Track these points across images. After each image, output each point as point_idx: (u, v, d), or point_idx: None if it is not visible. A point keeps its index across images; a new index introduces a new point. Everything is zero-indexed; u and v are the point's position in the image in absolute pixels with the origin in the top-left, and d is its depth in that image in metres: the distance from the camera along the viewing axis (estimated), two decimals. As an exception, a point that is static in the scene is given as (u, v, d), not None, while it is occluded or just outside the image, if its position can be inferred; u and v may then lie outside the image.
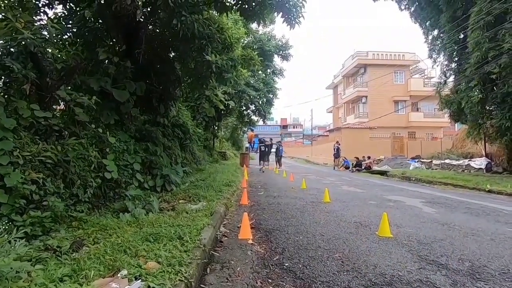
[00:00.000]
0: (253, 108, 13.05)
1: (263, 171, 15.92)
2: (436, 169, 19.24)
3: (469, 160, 17.78)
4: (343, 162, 19.56)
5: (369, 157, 18.95)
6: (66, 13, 5.93)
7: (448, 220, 4.25)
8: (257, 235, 3.26)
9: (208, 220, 3.23)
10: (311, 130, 42.27)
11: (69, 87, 4.60)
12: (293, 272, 2.22)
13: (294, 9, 5.63)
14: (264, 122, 17.05)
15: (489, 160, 16.33)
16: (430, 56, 17.26)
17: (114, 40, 5.83)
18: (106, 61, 5.28)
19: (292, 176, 10.69)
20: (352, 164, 18.40)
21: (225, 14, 6.19)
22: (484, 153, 17.69)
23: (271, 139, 20.06)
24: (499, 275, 2.33)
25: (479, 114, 13.66)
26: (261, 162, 17.19)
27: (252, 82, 12.50)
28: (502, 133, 12.74)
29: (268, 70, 14.76)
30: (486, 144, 16.38)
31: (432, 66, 17.64)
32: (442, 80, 16.18)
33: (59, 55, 4.65)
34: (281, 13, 5.63)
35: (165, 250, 2.28)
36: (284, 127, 78.71)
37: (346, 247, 2.86)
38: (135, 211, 3.71)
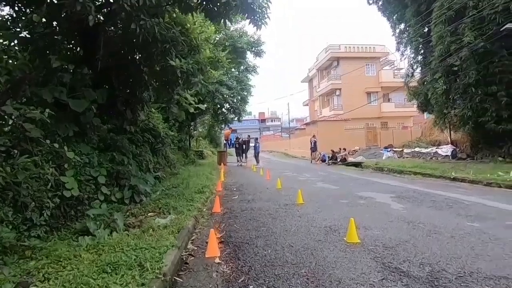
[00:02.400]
0: (228, 106, 12.86)
1: (241, 165, 15.90)
2: (407, 157, 20.07)
3: (436, 148, 18.69)
4: (320, 156, 19.91)
5: (344, 149, 19.41)
6: (15, 16, 5.45)
7: (413, 217, 4.40)
8: (226, 251, 3.19)
9: (173, 239, 3.11)
10: (289, 123, 42.64)
11: (18, 101, 4.23)
12: (256, 296, 2.18)
13: (259, 10, 5.52)
14: (239, 120, 16.92)
15: (454, 147, 17.25)
16: (398, 49, 17.84)
17: (70, 45, 5.43)
18: (61, 69, 4.91)
19: (269, 174, 10.70)
20: (328, 157, 18.78)
21: (190, 14, 5.98)
22: (450, 141, 18.67)
23: (248, 136, 20.05)
24: (455, 280, 2.41)
25: (444, 104, 14.35)
26: (238, 158, 17.15)
27: (225, 80, 12.28)
28: (465, 122, 13.49)
29: (241, 67, 14.58)
30: (451, 132, 17.29)
31: (400, 59, 18.25)
32: (409, 73, 16.79)
33: (3, 65, 4.25)
34: (246, 14, 5.51)
35: (121, 284, 2.15)
36: (262, 121, 78.92)
37: (313, 259, 2.85)
38: (97, 232, 3.51)
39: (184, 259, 2.93)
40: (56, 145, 4.35)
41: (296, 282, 2.37)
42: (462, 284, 2.34)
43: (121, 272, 2.37)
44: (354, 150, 24.40)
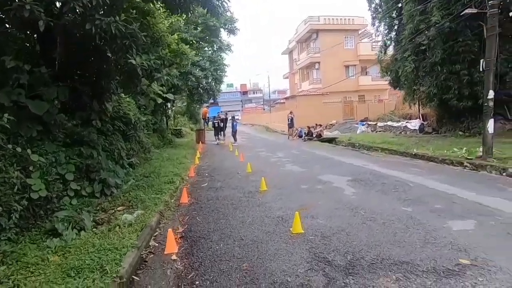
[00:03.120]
0: (202, 87, 12.79)
1: (219, 143, 16.29)
2: (380, 131, 20.99)
3: (406, 122, 19.60)
4: (297, 132, 20.43)
5: (320, 125, 19.99)
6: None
7: (359, 203, 4.96)
8: (184, 246, 3.60)
9: (135, 239, 3.48)
10: (269, 97, 42.61)
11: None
12: (198, 292, 2.62)
13: (220, 4, 5.52)
14: (214, 101, 16.88)
15: (422, 122, 18.17)
16: (373, 24, 17.90)
17: (26, 44, 5.29)
18: (17, 69, 4.84)
19: (243, 156, 11.11)
20: (305, 133, 19.33)
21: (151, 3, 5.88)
22: (419, 115, 19.58)
23: (226, 114, 20.15)
24: (367, 267, 2.94)
25: (413, 81, 14.93)
26: (216, 137, 17.41)
27: (198, 60, 12.10)
28: (431, 99, 14.21)
29: (215, 46, 14.29)
30: (421, 106, 18.12)
31: (374, 34, 18.35)
32: (382, 49, 17.05)
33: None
34: (207, 8, 5.50)
35: (83, 288, 2.51)
36: (244, 93, 78.14)
37: (257, 252, 3.32)
38: (65, 234, 3.81)
39: (144, 257, 3.31)
40: (19, 149, 4.47)
41: (236, 277, 2.82)
42: (371, 271, 2.86)
43: (84, 275, 2.72)
44: (331, 124, 25.15)
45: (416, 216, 4.28)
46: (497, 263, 2.91)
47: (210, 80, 13.12)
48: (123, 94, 8.37)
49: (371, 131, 21.52)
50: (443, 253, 3.17)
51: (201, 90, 12.96)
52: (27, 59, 5.29)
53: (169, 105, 15.41)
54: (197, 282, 2.77)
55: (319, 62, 29.69)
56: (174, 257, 3.31)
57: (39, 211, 4.47)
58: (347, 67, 30.09)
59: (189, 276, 2.89)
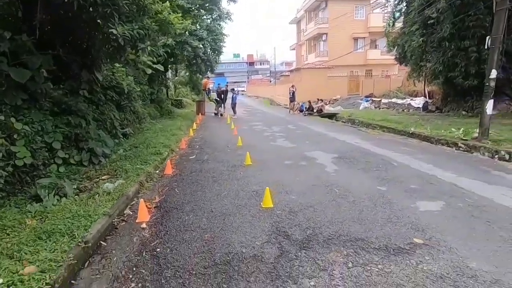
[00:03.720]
0: (200, 58, 12.51)
1: (220, 115, 16.37)
2: (383, 108, 20.65)
3: (410, 100, 19.17)
4: (298, 106, 20.22)
5: (321, 100, 19.71)
6: None
7: (336, 181, 5.04)
8: (155, 216, 3.78)
9: (110, 207, 3.66)
10: (275, 68, 41.62)
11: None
12: (158, 258, 2.80)
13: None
14: (212, 72, 16.60)
15: (426, 100, 17.75)
16: (384, -6, 16.89)
17: (8, 11, 5.19)
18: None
19: (237, 129, 11.18)
20: (306, 108, 19.13)
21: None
22: (424, 93, 19.07)
23: (226, 86, 19.91)
24: (323, 242, 3.07)
25: (419, 57, 14.35)
26: (217, 108, 17.39)
27: (195, 29, 11.74)
28: (436, 76, 13.75)
29: (214, 15, 13.71)
30: (426, 84, 17.58)
31: (385, 5, 17.36)
32: (390, 22, 16.22)
33: None
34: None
35: (50, 250, 2.71)
36: (251, 64, 76.44)
37: (222, 224, 3.47)
38: (46, 199, 4.01)
39: (116, 224, 3.50)
40: (2, 117, 4.58)
41: (195, 246, 2.99)
42: (324, 246, 3.00)
43: (54, 239, 2.92)
44: (334, 99, 24.74)
45: (388, 195, 4.35)
46: (449, 243, 3.01)
47: (208, 50, 12.79)
48: (117, 64, 8.28)
49: (375, 107, 21.16)
50: (400, 231, 3.28)
51: (199, 61, 12.71)
52: (8, 26, 5.23)
53: (169, 75, 15.26)
54: (158, 249, 2.95)
55: (326, 34, 28.52)
56: (144, 225, 3.49)
57: (25, 177, 4.68)
58: (355, 39, 28.88)
59: (152, 244, 3.07)
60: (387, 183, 4.95)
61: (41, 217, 3.54)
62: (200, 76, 28.31)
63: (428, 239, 3.12)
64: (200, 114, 18.30)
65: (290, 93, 19.79)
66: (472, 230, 3.29)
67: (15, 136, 4.64)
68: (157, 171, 5.81)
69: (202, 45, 11.90)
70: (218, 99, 17.50)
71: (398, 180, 5.10)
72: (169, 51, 11.32)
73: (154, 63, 7.39)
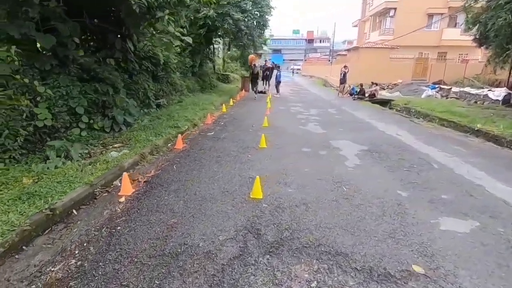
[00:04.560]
0: (243, 32, 11.96)
1: (264, 92, 16.01)
2: (452, 98, 17.91)
3: (488, 90, 16.21)
4: (349, 89, 18.64)
5: (376, 84, 17.77)
6: None
7: (352, 178, 4.37)
8: (139, 191, 3.70)
9: (97, 176, 3.68)
10: (332, 46, 38.82)
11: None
12: (112, 237, 2.68)
13: None
14: (255, 49, 15.95)
15: (510, 92, 14.77)
16: (471, -43, 13.83)
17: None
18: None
19: (273, 108, 10.72)
20: (357, 91, 17.53)
21: None
22: (508, 83, 15.90)
23: (273, 63, 19.20)
24: (296, 249, 2.61)
25: (506, 38, 11.70)
26: (263, 84, 16.98)
27: (239, 0, 11.19)
28: (524, 63, 11.14)
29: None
30: (512, 72, 14.53)
31: (471, -29, 14.25)
32: (474, -7, 13.36)
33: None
34: None
35: (20, 213, 2.78)
36: (310, 41, 72.89)
37: (196, 210, 3.22)
38: (48, 161, 4.23)
39: (97, 194, 3.51)
40: (26, 80, 4.90)
41: (155, 230, 2.81)
42: (295, 255, 2.54)
43: (31, 202, 3.01)
44: (394, 84, 22.26)
45: (406, 204, 3.60)
46: (460, 281, 2.31)
47: (251, 24, 12.15)
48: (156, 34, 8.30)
49: (441, 96, 18.44)
50: (399, 253, 2.64)
51: (240, 35, 12.22)
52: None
53: (219, 48, 15.14)
54: (118, 227, 2.84)
55: (395, 8, 25.18)
56: (122, 199, 3.44)
57: (46, 138, 5.04)
58: (430, 16, 24.98)
59: (118, 220, 2.98)
60: (412, 188, 4.12)
61: (38, 177, 3.73)
62: (252, 52, 27.86)
63: (433, 269, 2.44)
64: (243, 90, 18.11)
65: (341, 73, 18.24)
66: (503, 269, 2.48)
67: (38, 99, 4.97)
68: (169, 145, 5.78)
69: (245, 18, 11.34)
70: (264, 75, 17.02)
71: (429, 186, 4.21)
72: (210, 23, 11.08)
73: (183, 34, 7.20)
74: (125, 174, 3.65)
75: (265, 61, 18.59)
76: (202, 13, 10.79)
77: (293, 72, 52.20)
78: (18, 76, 4.80)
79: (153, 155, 5.08)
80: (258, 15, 12.43)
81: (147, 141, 5.33)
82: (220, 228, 2.90)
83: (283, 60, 74.27)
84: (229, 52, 29.42)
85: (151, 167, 4.53)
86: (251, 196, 3.60)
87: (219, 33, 12.23)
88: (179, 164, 4.72)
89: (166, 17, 5.41)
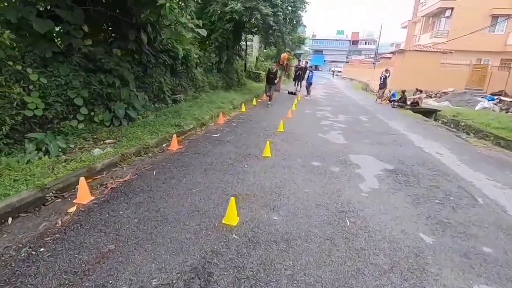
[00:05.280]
0: (272, 26, 11.12)
1: (294, 93, 15.17)
2: (514, 112, 15.46)
3: None
4: (388, 95, 16.98)
5: (420, 91, 15.90)
6: None
7: (362, 209, 3.47)
8: (97, 201, 3.19)
9: (55, 178, 3.25)
10: (377, 48, 36.26)
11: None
12: (22, 264, 2.16)
13: None
14: (286, 48, 14.98)
15: None
16: None
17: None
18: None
19: (296, 111, 9.90)
20: (398, 98, 15.84)
21: None
22: None
23: (306, 62, 18.18)
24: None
25: None
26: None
27: (268, -7, 10.43)
28: None
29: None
30: None
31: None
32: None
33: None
34: None
35: None
36: (355, 42, 69.62)
37: (145, 237, 2.60)
38: (24, 155, 3.94)
39: (49, 200, 3.06)
40: (19, 67, 4.70)
41: (86, 259, 2.24)
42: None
43: (-33, 202, 2.64)
44: (443, 93, 19.94)
45: (428, 256, 2.65)
46: None
47: (281, 19, 11.28)
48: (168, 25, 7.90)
49: (500, 110, 16.02)
50: None
51: (270, 31, 11.44)
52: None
53: (249, 45, 14.58)
54: (41, 250, 2.33)
55: (452, 8, 22.51)
56: (73, 209, 2.95)
57: (35, 129, 4.81)
58: (495, 17, 21.91)
59: (47, 238, 2.47)
60: (441, 231, 3.11)
61: (5, 170, 3.40)
62: (288, 50, 26.91)
63: None
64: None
65: (381, 77, 16.65)
66: None
67: (31, 87, 4.76)
68: (164, 145, 5.29)
69: (274, 13, 10.56)
70: (296, 74, 16.13)
71: (466, 230, 3.16)
72: (236, 17, 10.49)
73: (198, 26, 6.69)
74: (82, 179, 3.17)
75: (298, 60, 17.64)
76: (229, 6, 10.24)
77: (333, 74, 50.02)
78: (10, 62, 4.63)
79: (140, 155, 4.60)
80: (290, 10, 11.56)
81: (138, 140, 4.89)
82: (162, 265, 2.25)
83: (324, 61, 71.84)
84: (265, 51, 28.81)
85: (129, 171, 4.04)
86: (223, 222, 2.91)
87: (247, 28, 11.58)
88: (161, 169, 4.17)
89: (168, 4, 4.89)
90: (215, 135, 6.29)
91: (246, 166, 4.54)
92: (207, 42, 12.02)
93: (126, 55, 7.12)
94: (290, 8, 11.52)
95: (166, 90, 8.48)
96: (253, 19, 10.23)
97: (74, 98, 5.41)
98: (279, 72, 10.26)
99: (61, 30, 5.67)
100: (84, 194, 3.12)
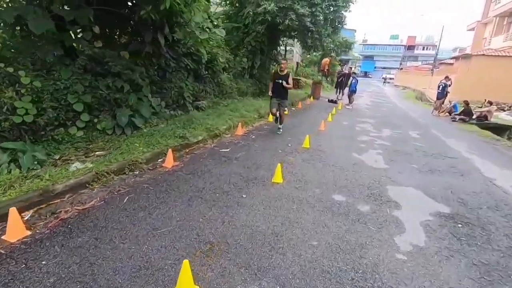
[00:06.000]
0: (309, 27, 9.95)
1: (335, 101, 13.65)
2: None
3: None
4: (449, 106, 14.58)
5: (490, 103, 13.32)
6: None
7: (395, 283, 2.29)
8: (30, 238, 2.50)
9: (13, 196, 2.67)
10: (436, 54, 32.45)
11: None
12: None
13: None
14: (324, 53, 13.58)
15: None
16: None
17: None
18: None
19: (331, 123, 8.69)
20: (462, 111, 13.46)
21: None
22: None
23: (350, 68, 16.64)
24: None
25: None
26: (336, 93, 14.64)
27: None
28: None
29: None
30: None
31: None
32: None
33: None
34: None
35: None
36: (410, 47, 64.45)
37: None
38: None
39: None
40: (11, 69, 4.37)
41: None
42: None
43: None
44: (519, 105, 16.71)
45: None
46: None
47: (319, 20, 10.05)
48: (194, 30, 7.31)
49: None
50: None
51: (306, 33, 10.28)
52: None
53: (289, 50, 13.66)
54: None
55: (536, 5, 18.88)
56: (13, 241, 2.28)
57: (25, 136, 4.44)
58: None
59: None
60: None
61: None
62: (334, 56, 25.32)
63: None
64: (312, 97, 16.15)
65: (439, 86, 14.37)
66: None
67: (23, 91, 4.41)
68: (160, 160, 4.58)
69: (311, 12, 9.44)
70: (339, 81, 14.66)
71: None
72: (269, 19, 9.62)
73: (216, 26, 5.98)
74: (11, 210, 2.49)
75: (341, 66, 16.15)
76: (262, 7, 9.43)
77: (384, 81, 46.34)
78: (2, 64, 4.33)
79: (123, 173, 3.92)
80: (331, 9, 10.33)
81: (128, 154, 4.23)
82: None
83: (375, 67, 67.59)
84: (308, 56, 27.56)
85: (98, 194, 3.35)
86: (174, 292, 1.99)
87: (282, 31, 10.62)
88: (138, 194, 3.41)
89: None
90: (225, 150, 5.44)
91: (244, 196, 3.57)
92: (240, 47, 11.37)
93: (143, 58, 6.70)
94: (331, 8, 10.29)
95: (187, 96, 7.91)
96: (288, 20, 9.25)
97: (74, 103, 5.00)
98: (291, 75, 6.71)
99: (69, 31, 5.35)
100: (15, 229, 2.46)
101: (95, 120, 5.38)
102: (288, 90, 6.90)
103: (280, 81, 6.61)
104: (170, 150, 4.48)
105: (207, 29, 5.86)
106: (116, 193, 3.38)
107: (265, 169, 4.54)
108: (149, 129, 5.76)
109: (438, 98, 14.68)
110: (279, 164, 4.20)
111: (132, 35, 6.77)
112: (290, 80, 6.72)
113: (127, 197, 3.30)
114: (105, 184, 3.56)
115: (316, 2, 9.43)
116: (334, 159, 5.43)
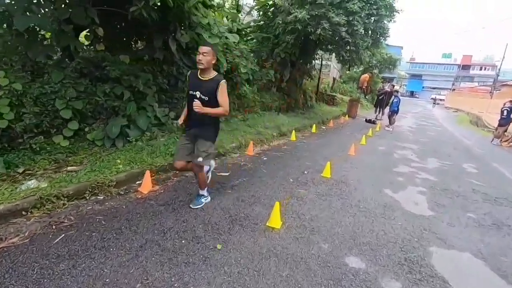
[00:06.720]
0: (345, 38, 8.81)
1: (373, 121, 12.17)
2: None
3: None
4: (514, 134, 12.29)
5: None
6: None
7: None
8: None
9: None
10: (497, 73, 28.80)
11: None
12: None
13: None
14: (359, 63, 12.16)
15: None
16: None
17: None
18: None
19: (365, 148, 7.45)
20: (529, 140, 11.20)
21: None
22: None
23: (392, 86, 15.05)
24: None
25: None
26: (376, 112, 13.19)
27: (343, -1, 8.26)
28: None
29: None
30: None
31: None
32: None
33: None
34: None
35: None
36: (465, 67, 59.22)
37: None
38: None
39: None
40: (-10, 70, 3.98)
41: None
42: None
43: None
44: None
45: None
46: None
47: (361, 31, 8.91)
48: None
49: None
50: None
51: (344, 45, 9.15)
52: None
53: (332, 65, 12.68)
54: None
55: None
56: None
57: (-1, 142, 3.97)
58: None
59: None
60: None
61: None
62: (375, 72, 23.60)
63: None
64: (347, 116, 14.78)
65: (503, 111, 12.20)
66: None
67: (0, 94, 3.99)
68: (138, 182, 3.81)
69: (348, 21, 8.36)
70: (379, 99, 13.15)
71: None
72: (299, 28, 8.72)
73: (231, 31, 5.26)
74: None
75: (382, 83, 14.63)
76: (292, 15, 8.61)
77: (434, 102, 42.14)
78: (-19, 64, 3.95)
79: (82, 198, 3.19)
80: (373, 20, 9.13)
81: (98, 172, 3.53)
82: None
83: (423, 87, 63.04)
84: (348, 72, 26.08)
85: (31, 227, 2.61)
86: None
87: (314, 41, 9.64)
88: (78, 231, 2.62)
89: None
90: (223, 174, 4.54)
91: (218, 247, 2.60)
92: (268, 58, 10.63)
93: (152, 64, 6.19)
94: (372, 18, 9.10)
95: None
96: (320, 29, 8.29)
97: (62, 109, 4.51)
98: (223, 84, 2.68)
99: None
100: None
101: (86, 129, 4.86)
102: (219, 118, 3.36)
103: (197, 94, 2.92)
104: (147, 172, 3.68)
105: (218, 34, 5.11)
106: (54, 227, 2.62)
107: (262, 205, 3.54)
108: (143, 143, 5.08)
109: (500, 125, 12.45)
110: (277, 203, 3.16)
111: (141, 38, 6.31)
112: (222, 95, 2.94)
113: (63, 235, 2.52)
114: (49, 212, 2.83)
115: (354, 11, 8.34)
116: (359, 196, 4.24)
